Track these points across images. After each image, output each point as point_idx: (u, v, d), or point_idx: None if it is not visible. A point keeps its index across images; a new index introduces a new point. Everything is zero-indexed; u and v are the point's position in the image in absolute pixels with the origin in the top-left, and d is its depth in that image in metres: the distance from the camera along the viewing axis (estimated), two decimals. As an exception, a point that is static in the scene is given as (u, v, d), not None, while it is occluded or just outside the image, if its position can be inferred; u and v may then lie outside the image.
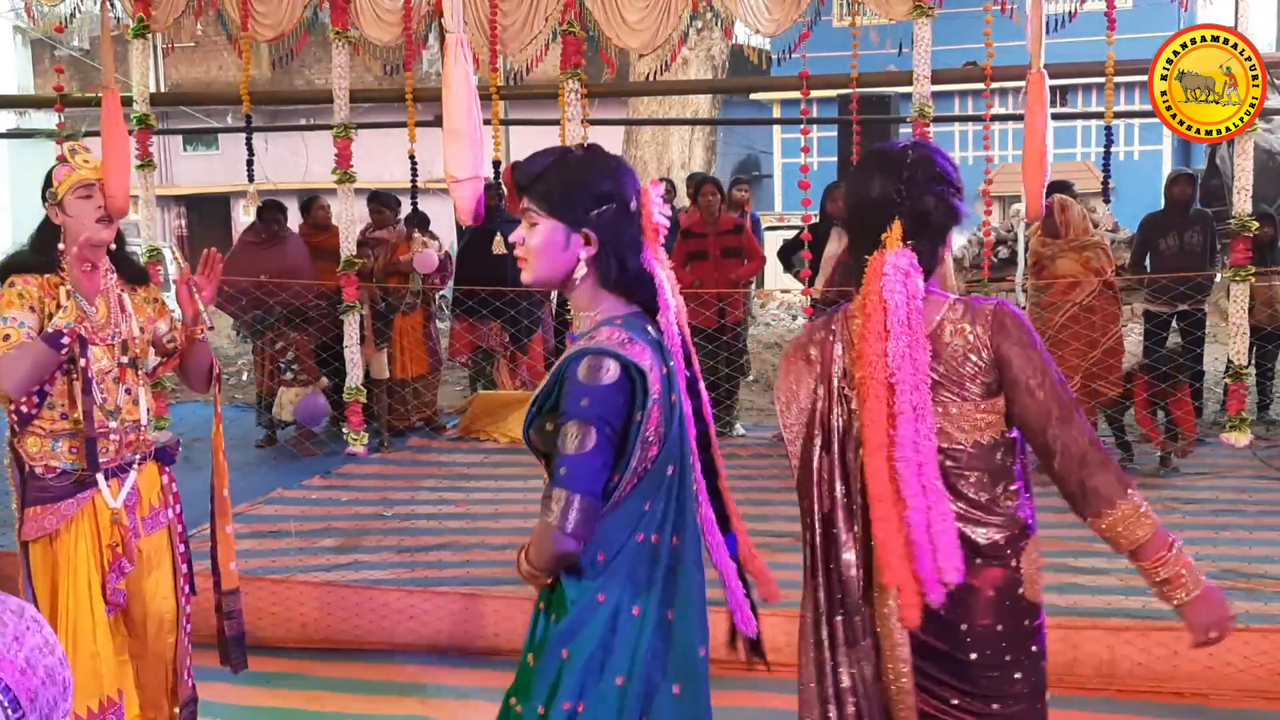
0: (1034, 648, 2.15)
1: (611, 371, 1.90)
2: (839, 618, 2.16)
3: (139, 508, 3.10)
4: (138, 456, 3.10)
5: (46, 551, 2.99)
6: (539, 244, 2.01)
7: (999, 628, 2.10)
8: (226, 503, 3.25)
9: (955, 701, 2.14)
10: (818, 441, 2.16)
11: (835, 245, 7.47)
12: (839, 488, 2.13)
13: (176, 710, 3.23)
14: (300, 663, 4.28)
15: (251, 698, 3.95)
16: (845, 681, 2.14)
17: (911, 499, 2.01)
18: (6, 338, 2.89)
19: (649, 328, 2.01)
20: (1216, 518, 5.52)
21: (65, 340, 2.87)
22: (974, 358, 2.08)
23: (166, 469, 3.22)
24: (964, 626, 2.10)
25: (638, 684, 1.93)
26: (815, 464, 2.16)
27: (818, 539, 2.18)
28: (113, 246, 3.13)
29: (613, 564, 1.95)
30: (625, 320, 1.99)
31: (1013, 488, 2.12)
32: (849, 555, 2.14)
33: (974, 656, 2.10)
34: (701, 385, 2.12)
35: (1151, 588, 2.11)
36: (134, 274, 3.19)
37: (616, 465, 1.93)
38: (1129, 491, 2.04)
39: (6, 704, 1.49)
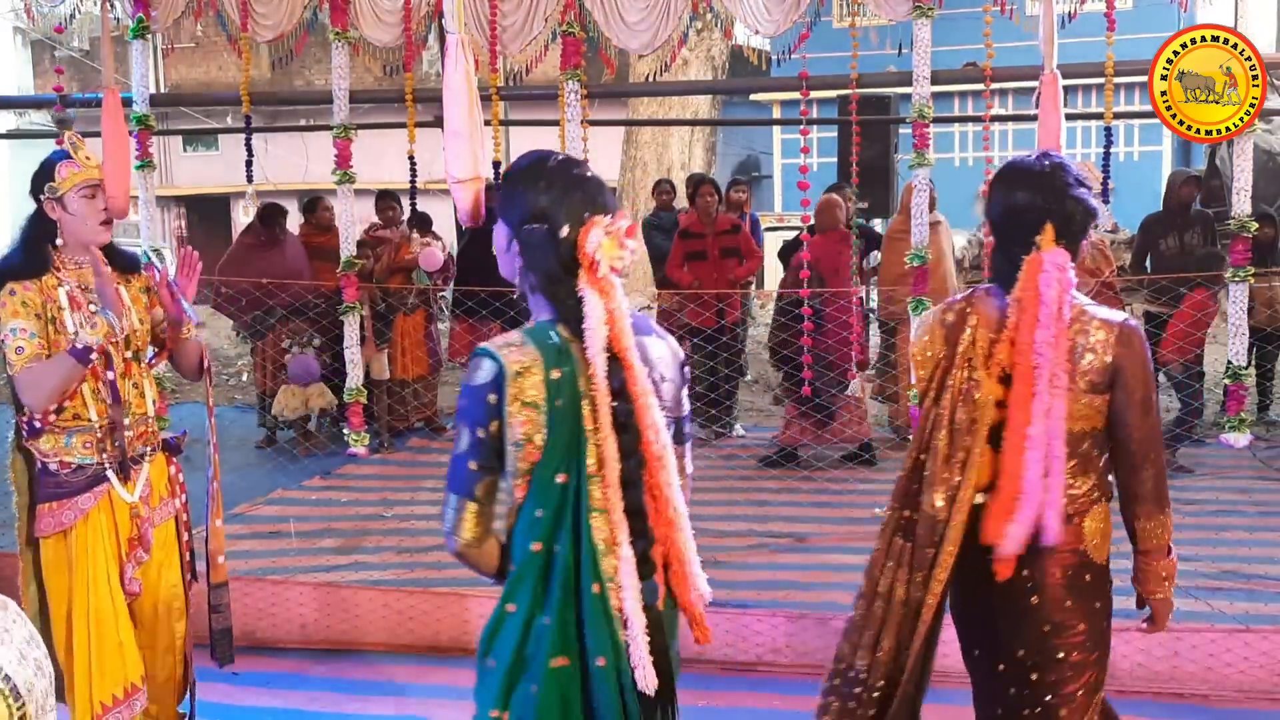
0: (1097, 604, 2.44)
1: (484, 371, 1.92)
2: (909, 543, 2.45)
3: (150, 498, 3.13)
4: (148, 449, 3.12)
5: (60, 546, 3.01)
6: (496, 243, 2.08)
7: (1057, 573, 2.38)
8: (219, 495, 3.26)
9: (1021, 653, 2.43)
10: (930, 395, 2.46)
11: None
12: (941, 435, 2.40)
13: (181, 711, 3.25)
14: (300, 663, 4.28)
15: (251, 698, 3.96)
16: (899, 594, 2.46)
17: (1029, 468, 2.29)
18: (20, 350, 2.89)
19: (554, 333, 1.95)
20: (1216, 518, 5.53)
21: (94, 356, 2.88)
22: (1090, 357, 2.35)
23: (174, 459, 3.25)
24: (1026, 572, 2.38)
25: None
26: (924, 413, 2.47)
27: (907, 474, 2.47)
28: None
29: (519, 573, 1.95)
30: (538, 325, 1.98)
31: (1089, 474, 2.41)
32: (937, 496, 2.39)
33: (1035, 600, 2.39)
34: (644, 419, 1.92)
35: (1146, 580, 2.46)
36: (125, 264, 3.20)
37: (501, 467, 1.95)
38: (1170, 508, 2.43)
39: (8, 692, 1.49)
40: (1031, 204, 2.36)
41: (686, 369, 2.13)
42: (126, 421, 3.04)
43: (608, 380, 1.91)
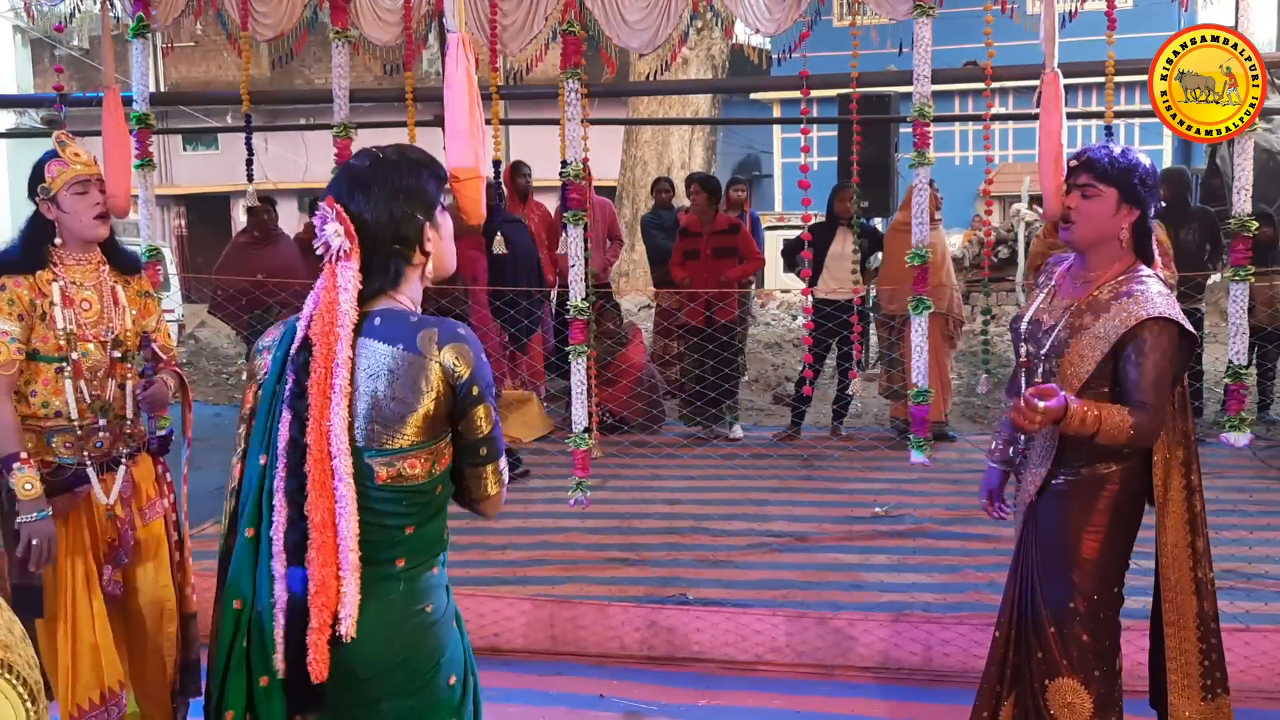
0: None
1: None
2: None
3: (136, 499, 3.13)
4: (126, 450, 3.12)
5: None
6: None
7: None
8: (187, 532, 3.30)
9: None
10: None
11: (840, 245, 7.47)
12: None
13: (177, 712, 3.24)
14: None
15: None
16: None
17: None
18: None
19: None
20: (1216, 518, 5.48)
21: (7, 472, 2.88)
22: None
23: (160, 460, 3.25)
24: None
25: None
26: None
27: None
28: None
29: (235, 563, 1.99)
30: None
31: None
32: None
33: None
34: (312, 407, 1.89)
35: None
36: (125, 264, 3.20)
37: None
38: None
39: (26, 696, 1.51)
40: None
41: (475, 389, 1.96)
42: (103, 422, 3.04)
43: (294, 357, 1.94)
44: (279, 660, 1.90)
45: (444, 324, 1.96)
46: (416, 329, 1.94)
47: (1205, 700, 2.75)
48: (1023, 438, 2.87)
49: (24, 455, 2.87)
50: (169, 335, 3.33)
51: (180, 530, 3.28)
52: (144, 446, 3.20)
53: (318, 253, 1.95)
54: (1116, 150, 2.76)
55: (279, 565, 1.90)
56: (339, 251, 1.92)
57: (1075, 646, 2.72)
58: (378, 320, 1.95)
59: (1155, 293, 2.65)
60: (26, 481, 2.85)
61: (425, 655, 2.01)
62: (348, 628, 1.87)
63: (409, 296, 2.02)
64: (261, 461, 1.95)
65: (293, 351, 1.94)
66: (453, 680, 2.06)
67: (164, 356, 3.21)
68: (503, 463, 2.06)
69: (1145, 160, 2.77)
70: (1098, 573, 2.72)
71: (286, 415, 1.92)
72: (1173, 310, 2.62)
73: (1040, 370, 2.79)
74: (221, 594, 2.00)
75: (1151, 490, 2.75)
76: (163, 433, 3.33)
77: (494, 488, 2.05)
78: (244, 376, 2.06)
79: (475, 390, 1.96)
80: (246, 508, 1.96)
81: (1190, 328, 2.65)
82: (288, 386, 1.93)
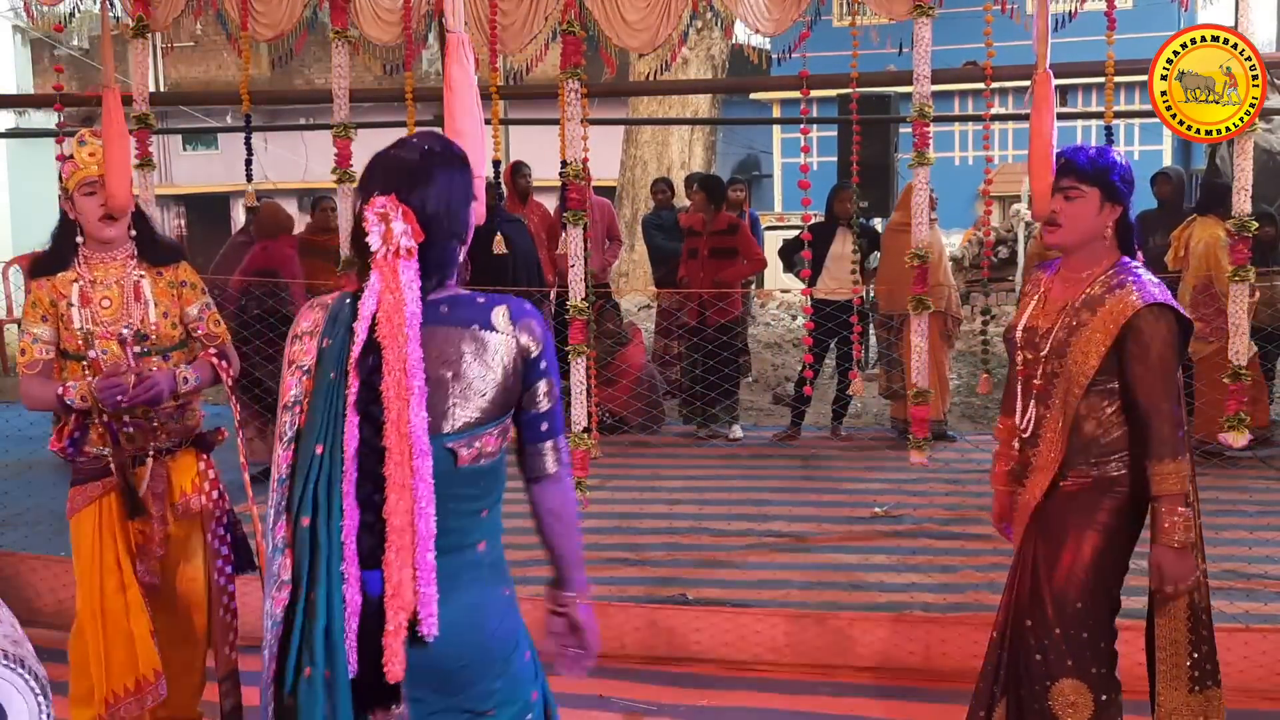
0: None
1: None
2: None
3: (169, 494, 3.14)
4: (167, 446, 3.13)
5: (81, 530, 3.06)
6: None
7: None
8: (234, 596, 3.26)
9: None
10: None
11: (839, 245, 7.48)
12: None
13: (219, 697, 3.23)
14: (300, 662, 4.27)
15: (255, 698, 3.95)
16: None
17: None
18: (22, 351, 3.06)
19: (350, 301, 1.95)
20: (1216, 518, 5.52)
21: (75, 405, 2.98)
22: None
23: (204, 455, 3.25)
24: None
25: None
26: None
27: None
28: (133, 233, 3.18)
29: (296, 552, 1.91)
30: (352, 293, 1.98)
31: None
32: None
33: None
34: (389, 410, 1.85)
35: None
36: (158, 256, 3.22)
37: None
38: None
39: (39, 690, 1.52)
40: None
41: (543, 364, 2.00)
42: (128, 418, 3.06)
43: (359, 361, 1.88)
44: (351, 660, 1.86)
45: (512, 301, 1.99)
46: (487, 307, 1.97)
47: (1192, 692, 2.76)
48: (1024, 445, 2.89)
49: (59, 390, 2.96)
50: (216, 321, 3.31)
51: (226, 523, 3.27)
52: (186, 440, 3.20)
53: (371, 250, 1.90)
54: (1094, 150, 2.84)
55: (351, 569, 1.87)
56: (401, 249, 1.89)
57: (1078, 647, 2.72)
58: (444, 308, 1.95)
59: (1148, 281, 2.72)
60: (79, 395, 2.95)
61: (508, 637, 2.05)
62: (430, 627, 1.86)
63: (458, 287, 2.03)
64: (318, 450, 1.88)
65: (355, 355, 1.88)
66: (528, 655, 2.13)
67: (206, 345, 3.23)
68: (563, 441, 2.07)
69: (1122, 159, 2.86)
70: (1100, 574, 2.73)
71: (353, 418, 1.87)
72: (1167, 297, 2.69)
73: (1040, 373, 2.78)
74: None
75: None
76: (207, 430, 3.34)
77: (554, 465, 2.06)
78: (285, 364, 1.98)
79: (544, 364, 2.00)
80: (303, 496, 1.89)
81: (1186, 314, 2.71)
82: (352, 391, 1.87)
